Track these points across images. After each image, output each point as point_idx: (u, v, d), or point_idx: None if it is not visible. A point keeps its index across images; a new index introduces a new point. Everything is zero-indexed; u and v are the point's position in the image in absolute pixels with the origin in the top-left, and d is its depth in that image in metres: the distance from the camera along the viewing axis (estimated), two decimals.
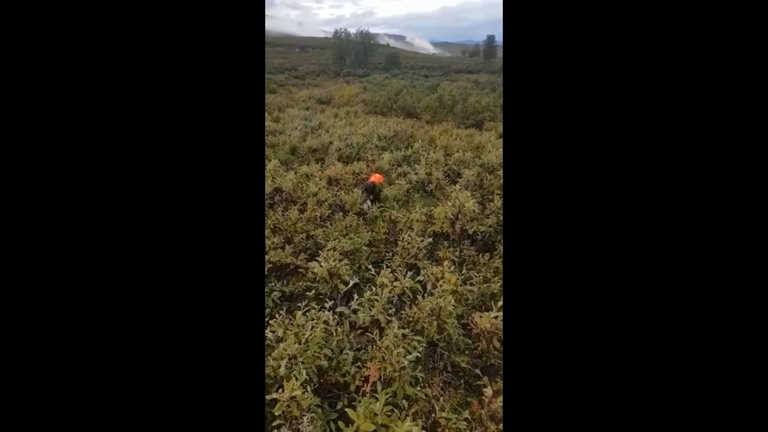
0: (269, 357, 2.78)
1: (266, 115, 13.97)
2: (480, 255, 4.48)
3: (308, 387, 2.46)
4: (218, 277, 1.02)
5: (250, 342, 1.00)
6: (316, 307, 3.24)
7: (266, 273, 4.33)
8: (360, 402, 2.39)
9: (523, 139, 1.12)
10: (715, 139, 0.97)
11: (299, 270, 4.35)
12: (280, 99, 19.58)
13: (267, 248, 4.46)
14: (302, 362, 2.65)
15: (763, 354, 0.84)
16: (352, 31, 63.89)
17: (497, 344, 3.03)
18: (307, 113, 15.12)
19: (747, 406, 0.82)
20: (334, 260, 4.09)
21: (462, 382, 3.07)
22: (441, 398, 2.69)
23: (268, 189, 5.95)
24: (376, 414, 2.29)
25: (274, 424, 2.24)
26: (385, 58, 60.02)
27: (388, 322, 3.22)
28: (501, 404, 2.53)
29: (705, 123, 0.99)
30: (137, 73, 1.09)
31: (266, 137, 9.82)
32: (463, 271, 3.82)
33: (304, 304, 3.37)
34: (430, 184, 6.50)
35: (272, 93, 21.11)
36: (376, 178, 6.79)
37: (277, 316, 3.17)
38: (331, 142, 9.30)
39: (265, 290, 3.96)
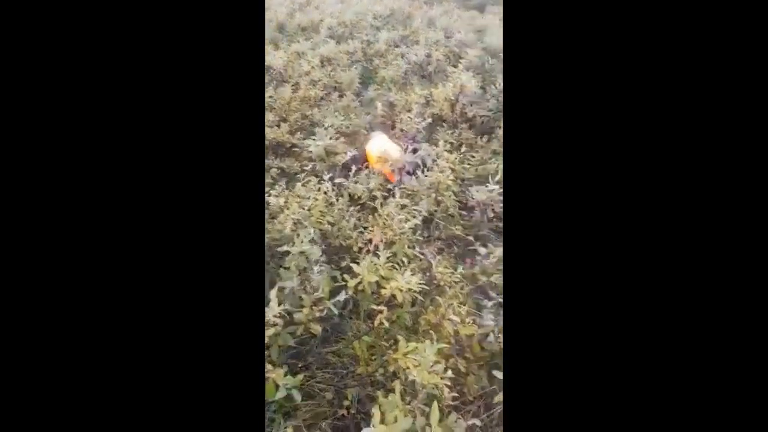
0: (275, 221, 2.90)
1: None
2: (479, 138, 4.46)
3: (314, 245, 2.62)
4: (217, 272, 1.00)
5: (249, 337, 1.01)
6: (315, 179, 3.30)
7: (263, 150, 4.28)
8: (364, 258, 2.57)
9: (525, 141, 1.05)
10: (716, 141, 0.93)
11: (295, 148, 4.31)
12: None
13: None
14: (307, 225, 2.78)
15: (764, 354, 0.85)
16: None
17: (490, 214, 3.19)
18: None
19: (747, 407, 0.85)
20: (331, 138, 4.04)
21: (455, 248, 3.30)
22: (438, 257, 2.91)
23: None
24: (378, 268, 2.49)
25: (287, 275, 2.43)
26: None
27: (386, 197, 3.32)
28: (490, 262, 2.76)
29: (706, 124, 0.94)
30: (135, 69, 1.00)
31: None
32: (462, 150, 3.83)
33: (303, 176, 3.41)
34: (429, 66, 6.13)
35: None
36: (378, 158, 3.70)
37: (277, 187, 3.23)
38: (321, 20, 8.46)
39: (264, 166, 3.95)
